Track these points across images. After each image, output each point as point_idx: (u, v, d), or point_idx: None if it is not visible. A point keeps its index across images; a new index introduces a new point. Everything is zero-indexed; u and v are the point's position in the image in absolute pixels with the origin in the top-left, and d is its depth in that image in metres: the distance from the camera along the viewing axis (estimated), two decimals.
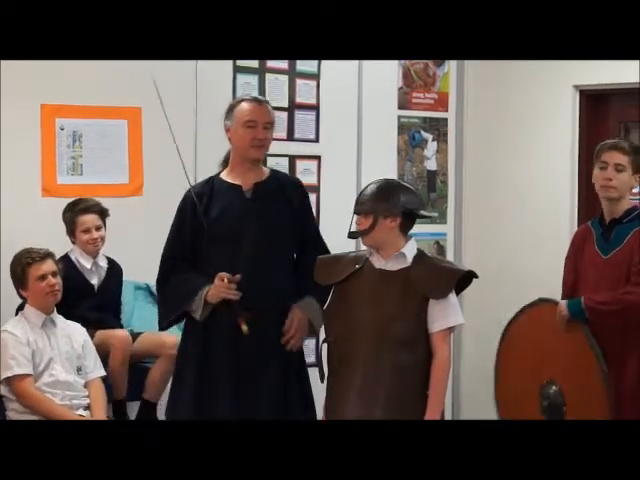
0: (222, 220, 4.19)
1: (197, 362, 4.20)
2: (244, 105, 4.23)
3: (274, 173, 4.37)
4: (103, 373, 4.72)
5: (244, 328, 4.06)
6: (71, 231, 4.96)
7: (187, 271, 4.22)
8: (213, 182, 4.30)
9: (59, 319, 4.66)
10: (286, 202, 4.27)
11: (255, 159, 4.25)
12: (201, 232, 4.18)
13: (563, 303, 4.33)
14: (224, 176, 4.31)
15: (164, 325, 4.36)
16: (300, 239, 4.32)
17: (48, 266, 4.58)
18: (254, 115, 4.19)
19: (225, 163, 4.45)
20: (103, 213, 4.99)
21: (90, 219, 4.94)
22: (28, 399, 4.45)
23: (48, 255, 4.62)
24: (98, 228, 4.96)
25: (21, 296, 4.65)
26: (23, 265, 4.57)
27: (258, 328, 4.11)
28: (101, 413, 4.60)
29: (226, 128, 4.29)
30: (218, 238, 4.16)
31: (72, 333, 4.67)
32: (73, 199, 5.02)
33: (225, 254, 4.14)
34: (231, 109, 4.27)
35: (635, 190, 5.84)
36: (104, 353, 4.80)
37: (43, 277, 4.56)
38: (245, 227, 4.18)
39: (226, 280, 4.09)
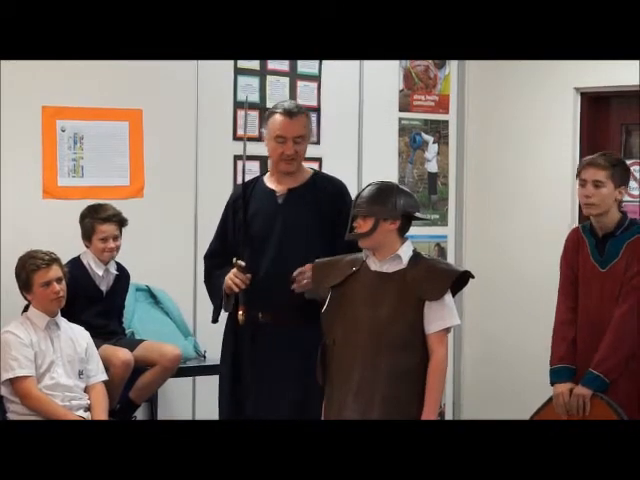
0: (253, 223, 4.26)
1: (230, 360, 4.31)
2: (276, 119, 4.23)
3: (315, 176, 4.41)
4: (105, 378, 4.70)
5: (240, 317, 4.14)
6: (87, 236, 4.93)
7: (224, 267, 4.28)
8: (256, 184, 4.37)
9: (63, 322, 4.64)
10: (317, 205, 4.29)
11: (285, 172, 4.30)
12: (239, 232, 4.29)
13: (579, 388, 4.22)
14: (265, 179, 4.38)
15: (213, 318, 4.42)
16: (331, 239, 4.28)
17: (53, 272, 4.54)
18: (283, 131, 4.20)
19: None
20: (122, 223, 4.97)
21: (109, 229, 4.91)
22: (31, 400, 4.43)
23: (53, 260, 4.56)
24: (115, 238, 4.93)
25: (25, 298, 4.63)
26: (28, 271, 4.53)
27: (278, 328, 4.21)
28: (102, 417, 4.59)
29: (263, 136, 4.36)
30: (248, 240, 4.23)
31: (76, 337, 4.65)
32: (93, 204, 4.98)
33: (251, 255, 4.20)
34: (267, 119, 4.30)
35: (635, 193, 5.88)
36: (104, 367, 4.78)
37: (48, 284, 4.52)
38: (271, 230, 4.25)
39: (235, 267, 4.17)
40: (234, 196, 4.40)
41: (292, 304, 4.18)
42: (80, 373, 4.61)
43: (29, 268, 4.52)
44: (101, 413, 4.59)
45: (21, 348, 4.47)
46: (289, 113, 4.23)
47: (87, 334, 4.71)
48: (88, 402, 4.59)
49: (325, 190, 4.35)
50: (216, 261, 4.37)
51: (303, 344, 4.21)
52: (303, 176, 4.34)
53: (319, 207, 4.29)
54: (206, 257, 4.49)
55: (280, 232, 4.23)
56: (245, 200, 4.29)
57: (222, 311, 4.36)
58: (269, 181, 4.35)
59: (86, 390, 4.63)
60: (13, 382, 4.45)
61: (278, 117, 4.22)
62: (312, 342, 4.23)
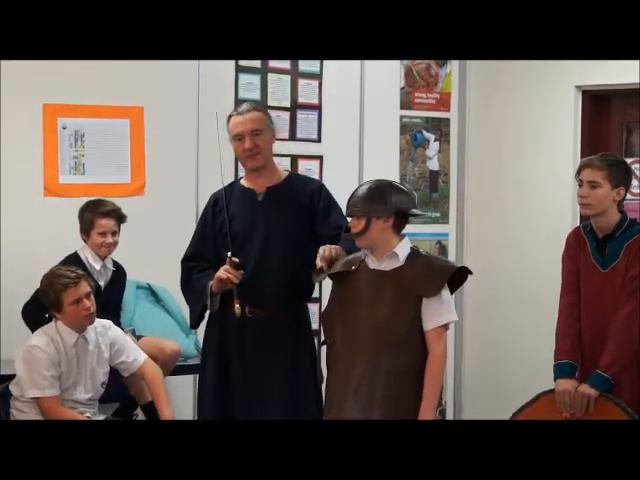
0: (234, 223, 4.35)
1: (215, 358, 4.40)
2: (231, 120, 4.40)
3: (292, 177, 4.56)
4: (145, 356, 4.69)
5: (237, 309, 4.18)
6: (86, 231, 4.93)
7: (204, 270, 4.38)
8: (234, 187, 4.49)
9: (91, 332, 4.55)
10: (296, 205, 4.37)
11: (251, 168, 4.40)
12: (219, 234, 4.38)
13: (585, 388, 4.20)
14: (242, 181, 4.49)
15: (192, 323, 4.55)
16: (311, 234, 4.35)
17: (82, 289, 4.45)
18: (238, 128, 4.35)
19: None
20: (121, 219, 4.98)
21: (108, 224, 4.91)
22: (55, 417, 4.37)
23: (80, 277, 4.47)
24: (114, 233, 4.94)
25: (54, 316, 4.51)
26: (56, 290, 4.43)
27: (264, 325, 4.30)
28: (162, 393, 4.63)
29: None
30: (231, 240, 4.30)
31: (101, 343, 4.59)
32: (93, 199, 4.99)
33: (236, 253, 4.27)
34: (227, 125, 4.45)
35: (636, 191, 5.88)
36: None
37: (78, 301, 4.43)
38: (253, 228, 4.34)
39: (228, 263, 4.22)
40: (212, 200, 4.48)
41: (279, 302, 4.31)
42: (102, 384, 4.59)
43: (57, 287, 4.43)
44: (160, 390, 4.64)
45: (50, 367, 4.40)
46: (240, 112, 4.39)
47: (113, 332, 4.65)
48: (96, 407, 4.59)
49: (303, 187, 4.44)
50: (194, 265, 4.43)
51: (289, 336, 4.35)
52: (279, 175, 4.47)
53: (298, 203, 4.38)
54: (183, 261, 4.50)
55: (262, 229, 4.32)
56: (226, 202, 4.37)
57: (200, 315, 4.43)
58: (246, 182, 4.46)
59: (131, 379, 4.70)
60: (39, 400, 4.40)
61: (232, 119, 4.40)
62: (297, 334, 4.41)
